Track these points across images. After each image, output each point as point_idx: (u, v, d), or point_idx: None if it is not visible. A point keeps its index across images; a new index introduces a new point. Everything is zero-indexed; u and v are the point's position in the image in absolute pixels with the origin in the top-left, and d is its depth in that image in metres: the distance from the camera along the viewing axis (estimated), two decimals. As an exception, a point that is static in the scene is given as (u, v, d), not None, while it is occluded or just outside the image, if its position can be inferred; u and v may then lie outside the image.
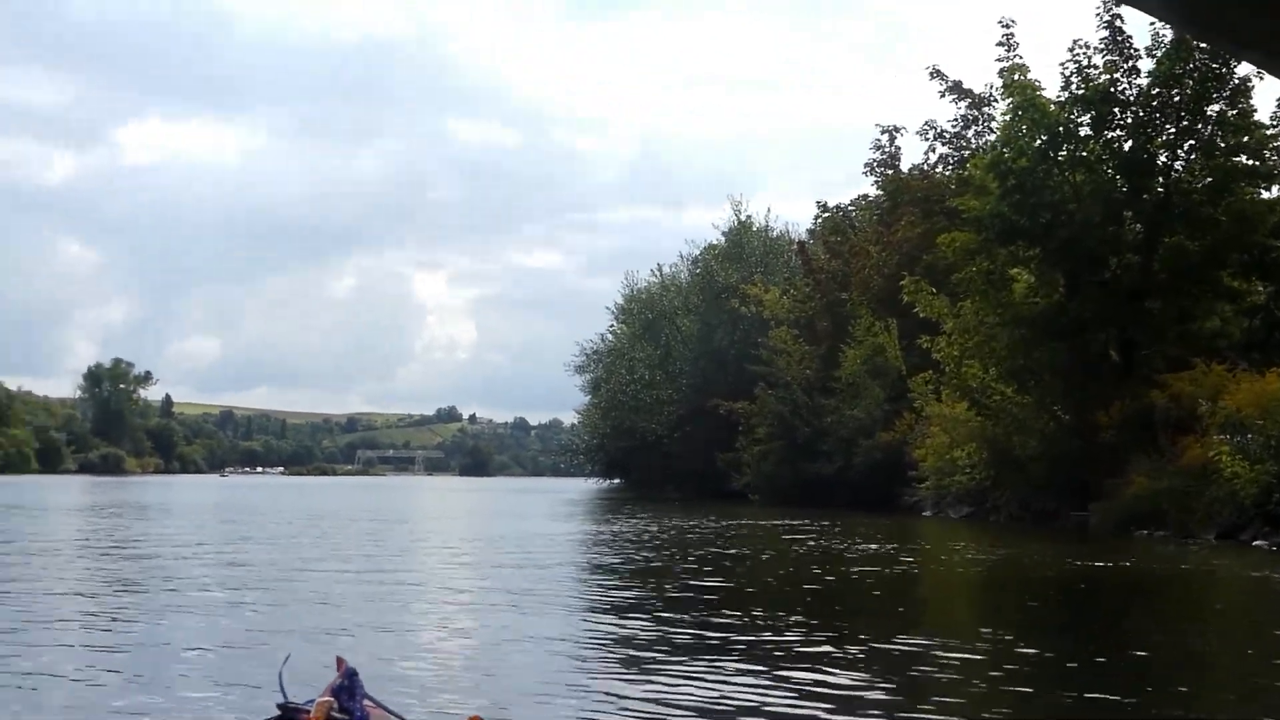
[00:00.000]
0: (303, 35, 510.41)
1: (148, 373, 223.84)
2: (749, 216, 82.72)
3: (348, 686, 7.96)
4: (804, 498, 55.37)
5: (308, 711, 7.62)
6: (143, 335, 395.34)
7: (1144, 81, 38.23)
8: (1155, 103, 37.82)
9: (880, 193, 63.36)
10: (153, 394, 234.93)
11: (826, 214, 68.57)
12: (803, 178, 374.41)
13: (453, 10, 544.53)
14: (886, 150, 63.31)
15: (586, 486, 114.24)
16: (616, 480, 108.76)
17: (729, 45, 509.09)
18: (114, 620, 14.19)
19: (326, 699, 7.74)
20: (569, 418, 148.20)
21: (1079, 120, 38.57)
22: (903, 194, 49.74)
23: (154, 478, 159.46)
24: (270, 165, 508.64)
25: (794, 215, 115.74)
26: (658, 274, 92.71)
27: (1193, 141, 38.48)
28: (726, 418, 65.89)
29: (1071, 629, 15.81)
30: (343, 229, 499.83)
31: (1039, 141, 38.23)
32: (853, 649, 12.73)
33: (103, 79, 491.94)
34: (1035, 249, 39.46)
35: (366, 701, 8.04)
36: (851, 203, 69.39)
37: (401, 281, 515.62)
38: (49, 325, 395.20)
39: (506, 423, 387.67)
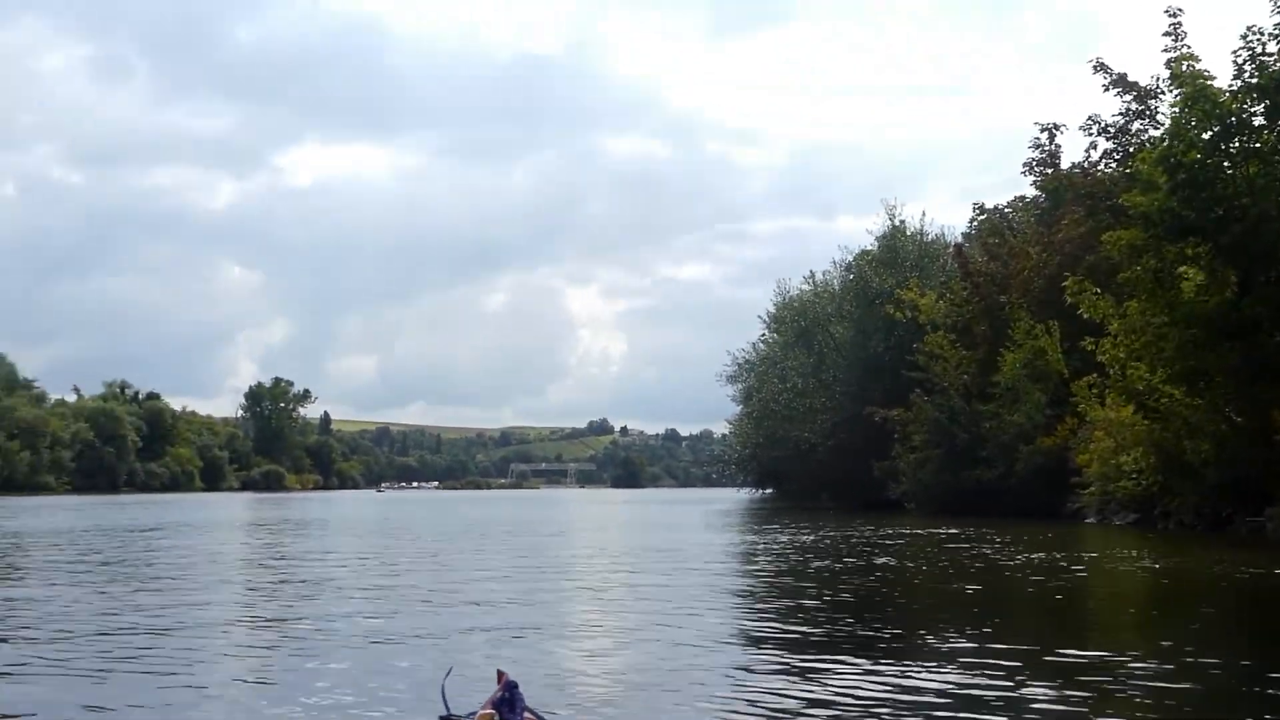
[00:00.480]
0: (456, 56, 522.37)
1: (306, 391, 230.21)
2: (903, 221, 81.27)
3: (509, 699, 8.13)
4: (962, 506, 53.99)
5: None
6: (302, 355, 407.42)
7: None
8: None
9: (1039, 193, 61.90)
10: (311, 412, 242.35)
11: (984, 215, 67.00)
12: (957, 184, 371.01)
13: (604, 26, 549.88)
14: (1046, 149, 61.64)
15: (739, 496, 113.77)
16: (768, 490, 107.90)
17: (881, 54, 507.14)
18: (279, 635, 14.29)
19: (488, 711, 7.98)
20: (720, 428, 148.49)
21: (1252, 110, 36.92)
22: (1065, 191, 47.96)
23: (313, 494, 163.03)
24: (424, 185, 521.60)
25: (949, 220, 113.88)
26: (810, 281, 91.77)
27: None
28: (881, 425, 64.60)
29: (1257, 642, 14.92)
30: (496, 246, 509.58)
31: (1210, 133, 36.65)
32: (1017, 658, 12.19)
33: (262, 105, 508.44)
34: (1206, 245, 37.89)
35: (527, 714, 8.21)
36: (1009, 204, 67.99)
37: (553, 296, 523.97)
38: (212, 347, 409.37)
39: (658, 434, 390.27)
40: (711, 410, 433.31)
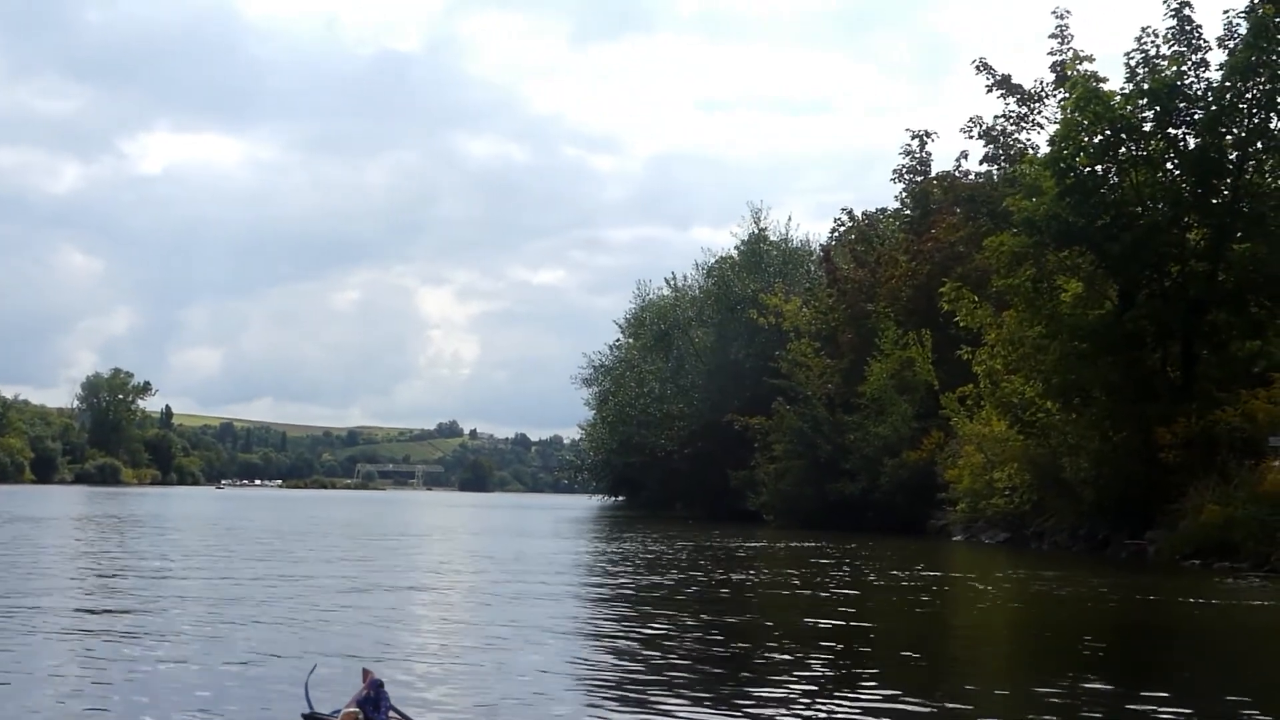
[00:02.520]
0: (315, 49, 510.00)
1: (146, 383, 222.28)
2: (764, 229, 79.49)
3: (373, 698, 8.07)
4: (824, 519, 52.11)
5: None
6: (145, 347, 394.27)
7: (1214, 75, 35.18)
8: (1227, 97, 34.67)
9: (906, 202, 60.68)
10: (153, 405, 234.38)
11: (853, 222, 65.36)
12: (814, 199, 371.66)
13: (465, 26, 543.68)
14: (917, 155, 60.47)
15: (590, 503, 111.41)
16: (620, 498, 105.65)
17: (742, 69, 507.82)
18: (121, 637, 13.67)
19: (352, 709, 7.92)
20: (571, 434, 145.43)
21: (1143, 116, 35.51)
22: (947, 194, 46.16)
23: (150, 489, 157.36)
24: (279, 178, 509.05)
25: (806, 235, 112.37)
26: (671, 284, 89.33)
27: (1265, 140, 35.34)
28: (741, 434, 62.52)
29: (1164, 676, 13.08)
30: (350, 243, 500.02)
31: (1100, 138, 35.13)
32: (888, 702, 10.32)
33: (111, 89, 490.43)
34: (1088, 255, 36.42)
35: (392, 713, 8.16)
36: (879, 210, 66.40)
37: (406, 295, 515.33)
38: (50, 335, 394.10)
39: (508, 438, 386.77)
40: (562, 416, 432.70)
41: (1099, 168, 35.63)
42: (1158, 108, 35.29)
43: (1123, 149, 35.59)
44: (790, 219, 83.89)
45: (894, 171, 60.98)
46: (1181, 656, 15.27)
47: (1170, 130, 35.81)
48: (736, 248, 79.76)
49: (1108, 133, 35.07)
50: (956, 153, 48.11)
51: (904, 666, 13.17)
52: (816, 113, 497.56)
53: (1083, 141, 34.95)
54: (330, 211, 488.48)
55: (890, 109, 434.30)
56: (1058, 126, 36.49)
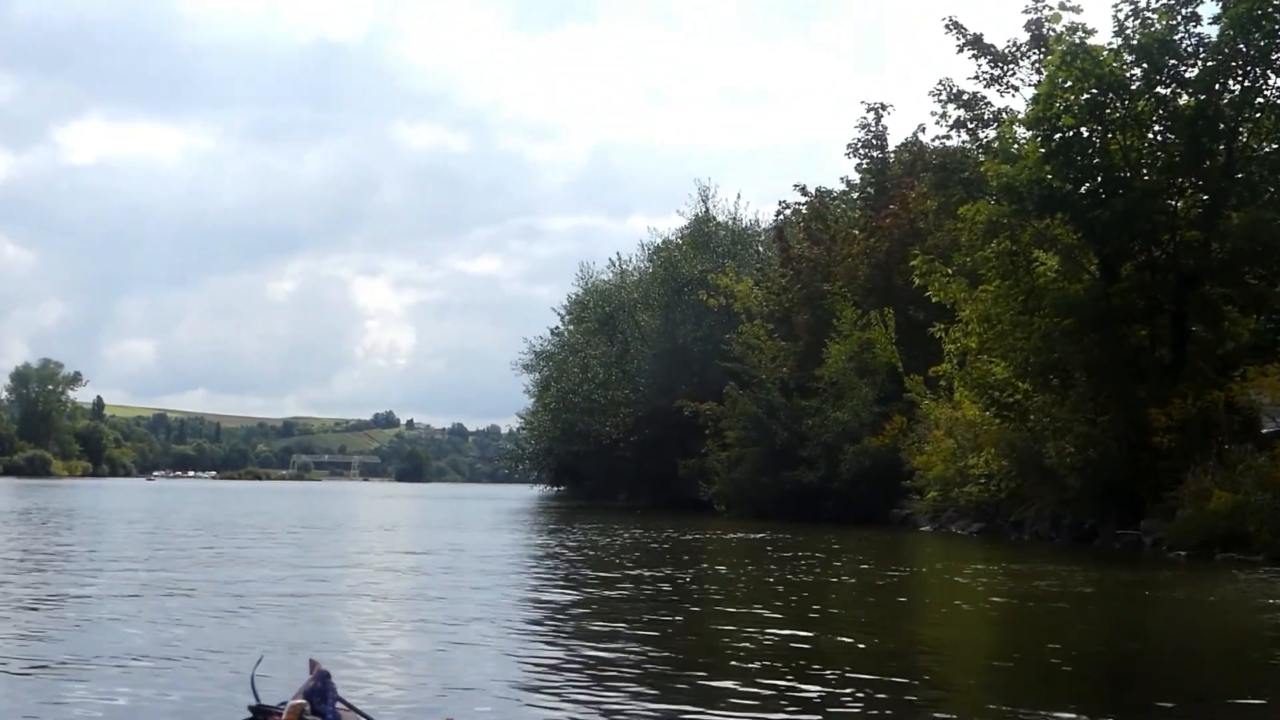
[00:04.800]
0: (250, 38, 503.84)
1: (77, 373, 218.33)
2: (707, 210, 76.64)
3: (320, 689, 8.06)
4: (780, 509, 49.51)
5: (279, 713, 7.72)
6: (77, 338, 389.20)
7: (1207, 29, 32.64)
8: (1223, 53, 32.12)
9: (867, 174, 58.16)
10: (84, 396, 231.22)
11: (806, 198, 62.56)
12: (754, 190, 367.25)
13: (402, 14, 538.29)
14: (873, 129, 57.92)
15: (530, 493, 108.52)
16: (561, 487, 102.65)
17: (683, 58, 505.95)
18: (58, 630, 13.49)
19: (299, 701, 7.84)
20: (510, 423, 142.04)
21: (1130, 74, 32.94)
22: (912, 164, 43.19)
23: (80, 481, 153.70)
24: (214, 168, 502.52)
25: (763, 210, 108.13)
26: (615, 266, 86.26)
27: (1262, 100, 32.86)
28: (691, 420, 59.68)
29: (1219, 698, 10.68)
30: (285, 233, 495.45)
31: (1086, 96, 32.49)
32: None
33: (44, 78, 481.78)
34: (1066, 226, 33.87)
35: (339, 704, 8.13)
36: (827, 191, 63.56)
37: (342, 286, 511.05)
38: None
39: (445, 429, 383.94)
40: (500, 406, 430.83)
41: (1083, 130, 32.97)
42: (1146, 64, 32.76)
43: (1109, 109, 32.97)
44: (739, 197, 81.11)
45: (848, 146, 58.51)
46: (1234, 672, 12.60)
47: (1160, 90, 33.30)
48: (683, 230, 77.01)
49: (1094, 91, 32.41)
50: (913, 128, 45.86)
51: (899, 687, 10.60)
52: (760, 102, 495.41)
53: (1069, 100, 32.26)
54: (267, 201, 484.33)
55: (835, 98, 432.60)
56: (1039, 85, 33.83)
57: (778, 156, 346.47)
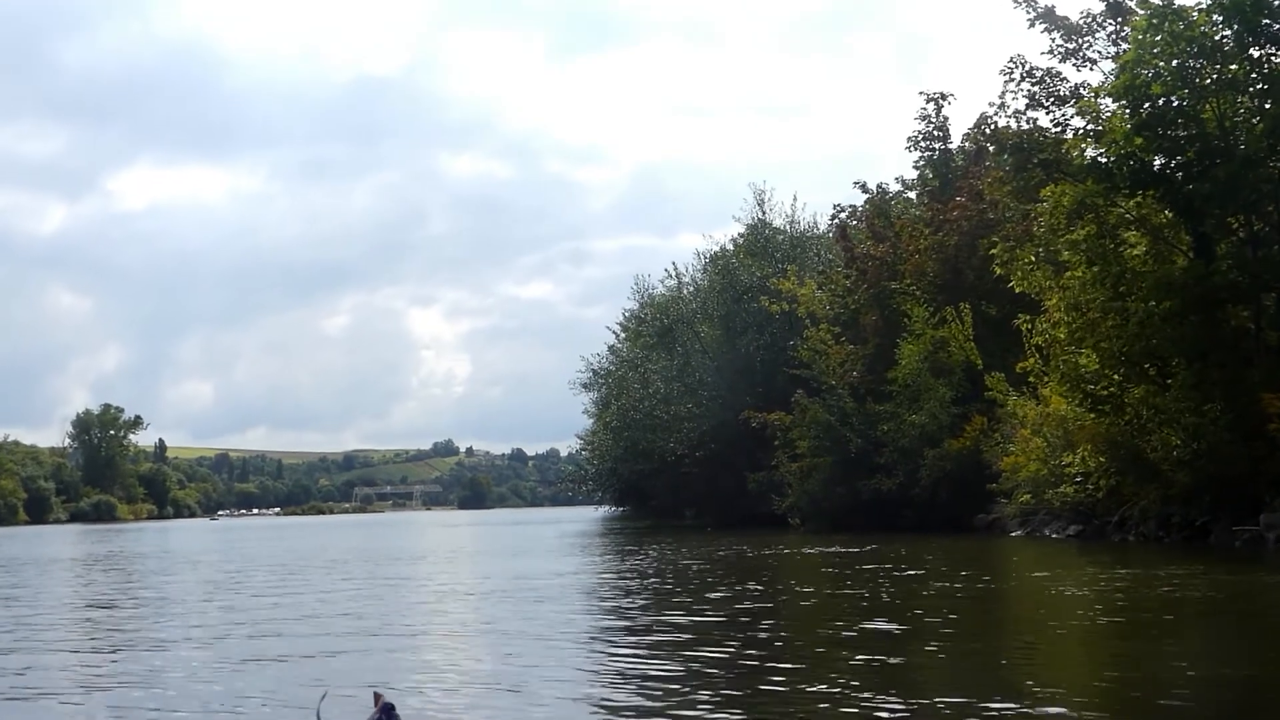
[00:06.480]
0: (293, 77, 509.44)
1: (138, 417, 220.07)
2: (762, 217, 74.21)
3: None
4: (858, 520, 47.18)
5: None
6: (136, 382, 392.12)
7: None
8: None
9: (928, 166, 56.03)
10: (145, 439, 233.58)
11: (867, 195, 60.21)
12: (808, 201, 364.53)
13: (441, 46, 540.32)
14: (934, 121, 55.70)
15: (594, 515, 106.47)
16: (625, 508, 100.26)
17: (724, 75, 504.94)
18: (129, 676, 13.17)
19: None
20: (567, 446, 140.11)
21: (1223, 35, 30.62)
22: (990, 144, 40.61)
23: (144, 524, 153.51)
24: (262, 207, 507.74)
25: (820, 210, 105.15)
26: (672, 275, 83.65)
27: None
28: (759, 432, 57.52)
29: None
30: (336, 268, 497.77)
31: (1176, 61, 30.20)
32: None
33: (93, 128, 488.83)
34: (1161, 202, 31.57)
35: None
36: (882, 191, 61.20)
37: (395, 317, 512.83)
38: (42, 375, 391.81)
39: (504, 454, 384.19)
40: (557, 429, 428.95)
41: (1173, 99, 30.68)
42: (1238, 24, 30.42)
43: (1201, 75, 30.66)
44: (796, 199, 78.65)
45: (908, 139, 56.34)
46: None
47: (1254, 51, 30.95)
48: (739, 236, 74.61)
49: (1185, 56, 30.12)
50: (971, 121, 43.64)
51: None
52: (800, 115, 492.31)
53: (1157, 66, 29.98)
54: (316, 238, 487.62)
55: (877, 108, 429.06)
56: (1123, 54, 31.52)
57: (824, 167, 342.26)
